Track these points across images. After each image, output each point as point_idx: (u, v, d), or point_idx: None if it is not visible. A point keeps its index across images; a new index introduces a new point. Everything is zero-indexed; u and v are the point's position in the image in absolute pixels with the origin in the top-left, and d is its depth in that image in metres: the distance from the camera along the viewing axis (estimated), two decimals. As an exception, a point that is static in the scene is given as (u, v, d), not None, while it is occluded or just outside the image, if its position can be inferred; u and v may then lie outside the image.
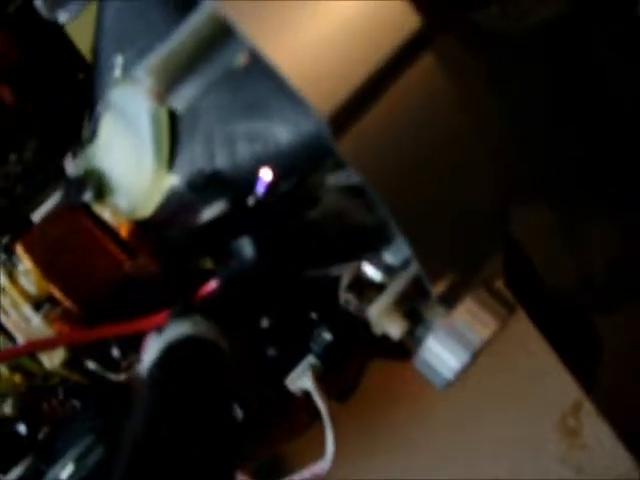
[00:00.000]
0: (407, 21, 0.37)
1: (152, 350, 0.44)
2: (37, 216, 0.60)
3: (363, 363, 0.61)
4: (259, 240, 0.47)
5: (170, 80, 0.38)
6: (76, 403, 0.57)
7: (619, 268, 0.74)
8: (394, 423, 0.67)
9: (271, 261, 0.47)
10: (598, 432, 0.69)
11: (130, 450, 0.40)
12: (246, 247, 0.47)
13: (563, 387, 0.70)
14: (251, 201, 0.44)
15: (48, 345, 0.49)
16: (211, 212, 0.47)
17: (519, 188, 0.67)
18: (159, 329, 0.45)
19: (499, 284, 0.48)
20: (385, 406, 0.67)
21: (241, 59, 0.38)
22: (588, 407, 0.69)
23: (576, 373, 0.71)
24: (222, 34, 0.38)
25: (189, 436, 0.41)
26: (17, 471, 0.55)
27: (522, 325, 0.67)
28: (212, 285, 0.48)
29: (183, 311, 0.46)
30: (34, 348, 0.49)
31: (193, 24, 0.39)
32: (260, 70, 0.37)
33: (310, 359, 0.54)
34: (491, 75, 0.58)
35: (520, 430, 0.68)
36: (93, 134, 0.51)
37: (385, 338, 0.48)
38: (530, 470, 0.70)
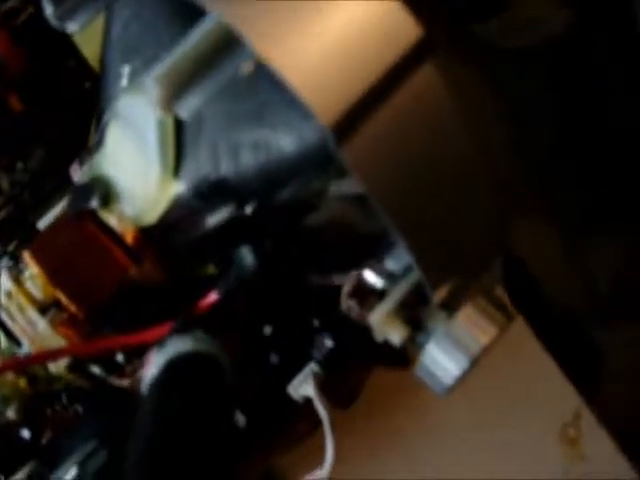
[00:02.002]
0: (409, 31, 0.38)
1: (153, 366, 0.45)
2: (43, 223, 0.61)
3: (365, 371, 0.61)
4: (259, 249, 0.47)
5: (177, 88, 0.39)
6: (79, 408, 0.57)
7: (621, 284, 0.75)
8: (395, 430, 0.68)
9: (271, 270, 0.47)
10: (598, 443, 0.69)
11: (133, 470, 0.41)
12: (246, 256, 0.47)
13: (564, 396, 0.70)
14: (249, 209, 0.45)
15: (55, 355, 0.49)
16: (215, 219, 0.48)
17: (520, 201, 0.68)
18: (160, 343, 0.46)
19: (498, 292, 0.49)
20: (386, 414, 0.67)
21: (246, 67, 0.38)
22: (588, 417, 0.69)
23: (576, 384, 0.71)
24: (228, 43, 0.39)
25: (190, 454, 0.41)
26: (20, 475, 0.55)
27: (522, 335, 0.67)
28: (212, 297, 0.48)
29: (184, 325, 0.46)
30: (41, 359, 0.50)
31: (199, 33, 0.40)
32: (264, 79, 0.38)
33: (312, 366, 0.55)
34: (490, 84, 0.58)
35: (520, 439, 0.68)
36: (100, 142, 0.51)
37: (387, 345, 0.48)
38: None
